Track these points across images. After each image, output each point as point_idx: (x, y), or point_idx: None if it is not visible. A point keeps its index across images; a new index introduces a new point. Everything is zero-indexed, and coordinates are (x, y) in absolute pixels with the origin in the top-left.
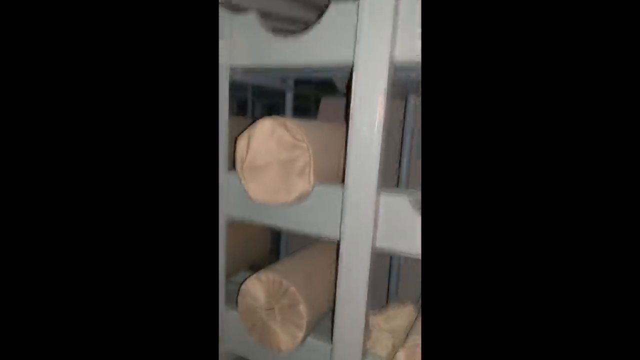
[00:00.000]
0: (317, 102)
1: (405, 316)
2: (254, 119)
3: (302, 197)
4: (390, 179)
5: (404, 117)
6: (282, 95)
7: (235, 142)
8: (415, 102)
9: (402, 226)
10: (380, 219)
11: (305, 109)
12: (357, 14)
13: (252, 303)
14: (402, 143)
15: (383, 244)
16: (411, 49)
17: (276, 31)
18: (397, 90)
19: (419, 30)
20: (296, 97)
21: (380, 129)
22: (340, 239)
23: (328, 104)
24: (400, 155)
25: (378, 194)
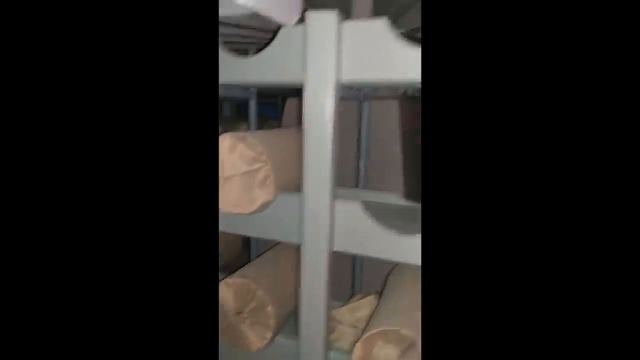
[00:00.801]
0: (284, 100)
1: (368, 307)
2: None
3: (264, 207)
4: (349, 180)
5: (360, 120)
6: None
7: None
8: (369, 106)
9: (356, 230)
10: (336, 224)
11: (273, 104)
12: (304, 39)
13: (222, 307)
14: (359, 144)
15: (340, 247)
16: (356, 70)
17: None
18: (352, 94)
19: (362, 54)
20: (263, 96)
21: (331, 144)
22: (300, 243)
23: (293, 103)
24: (358, 156)
25: (333, 201)
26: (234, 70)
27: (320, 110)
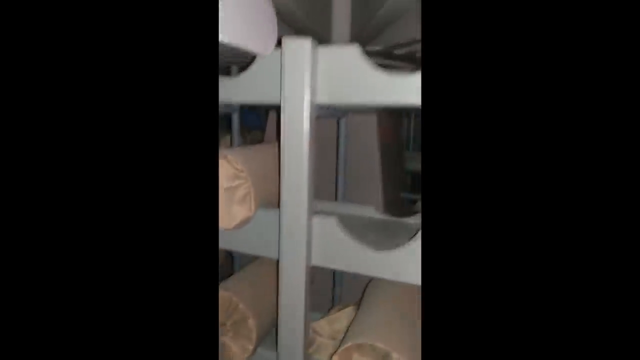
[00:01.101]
0: (267, 111)
1: (346, 318)
2: None
3: (244, 223)
4: (328, 193)
5: (338, 135)
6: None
7: None
8: (346, 122)
9: (333, 245)
10: (313, 239)
11: (258, 112)
12: (282, 58)
13: None
14: (337, 158)
15: (317, 262)
16: (330, 93)
17: None
18: (330, 112)
19: (336, 78)
20: (247, 106)
21: (307, 162)
22: (279, 258)
23: (275, 115)
24: (337, 170)
25: (310, 217)
26: (231, 90)
27: (296, 131)
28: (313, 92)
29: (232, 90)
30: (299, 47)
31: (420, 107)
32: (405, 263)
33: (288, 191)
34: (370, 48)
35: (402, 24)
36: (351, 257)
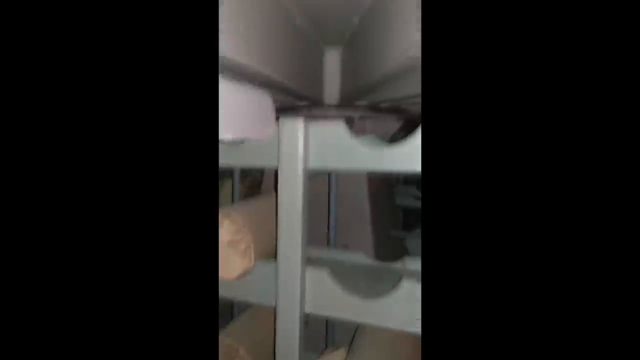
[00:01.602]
0: None
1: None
2: None
3: (245, 274)
4: (321, 239)
5: (329, 187)
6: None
7: None
8: (336, 176)
9: (325, 295)
10: (307, 289)
11: None
12: (278, 133)
13: None
14: (329, 208)
15: (310, 309)
16: (320, 160)
17: None
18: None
19: (325, 149)
20: None
21: (301, 220)
22: (275, 306)
23: None
24: (328, 219)
25: (303, 268)
26: (232, 155)
27: (291, 195)
28: (305, 160)
29: (234, 155)
30: (293, 126)
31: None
32: (390, 310)
33: (284, 247)
34: (358, 103)
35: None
36: (341, 305)
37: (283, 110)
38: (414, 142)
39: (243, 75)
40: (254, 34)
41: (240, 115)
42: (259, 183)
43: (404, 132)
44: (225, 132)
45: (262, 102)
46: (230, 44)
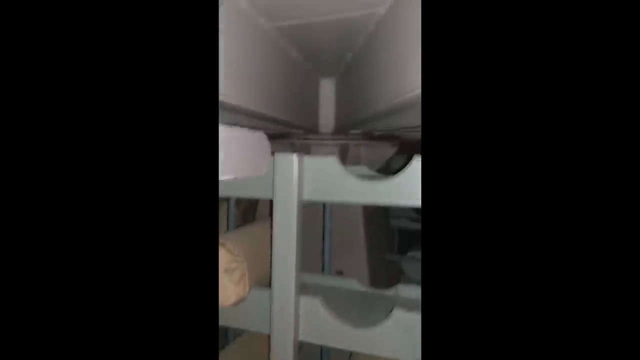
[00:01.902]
0: None
1: None
2: None
3: (239, 301)
4: (316, 265)
5: (324, 212)
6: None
7: None
8: (330, 207)
9: (318, 323)
10: (300, 317)
11: None
12: (273, 167)
13: None
14: (323, 234)
15: (304, 337)
16: (314, 192)
17: None
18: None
19: (318, 181)
20: None
21: (295, 251)
22: (270, 334)
23: None
24: (323, 244)
25: (297, 297)
26: (228, 187)
27: (285, 224)
28: (299, 193)
29: (231, 187)
30: (287, 160)
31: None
32: (381, 340)
33: (278, 276)
34: (353, 131)
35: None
36: (334, 334)
37: (277, 137)
38: (407, 175)
39: (239, 112)
40: (251, 76)
41: (238, 156)
42: (254, 207)
43: (399, 158)
44: (225, 173)
45: (258, 141)
46: (227, 86)
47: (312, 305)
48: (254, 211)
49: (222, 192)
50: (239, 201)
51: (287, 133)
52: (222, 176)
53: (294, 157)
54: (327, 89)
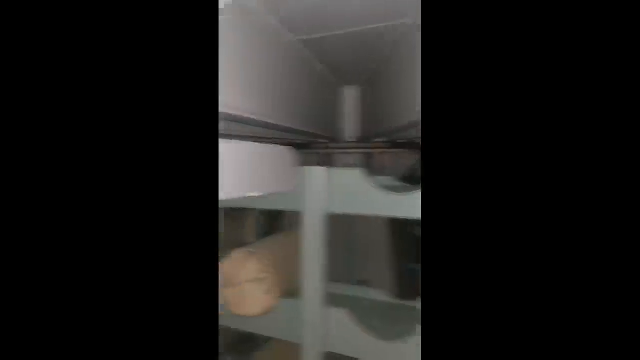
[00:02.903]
0: None
1: None
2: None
3: (269, 311)
4: (342, 275)
5: (349, 225)
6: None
7: None
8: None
9: (346, 335)
10: (329, 328)
11: None
12: (302, 180)
13: None
14: (348, 246)
15: (332, 349)
16: (341, 205)
17: None
18: None
19: (345, 194)
20: None
21: (323, 260)
22: (299, 344)
23: None
24: (348, 255)
25: (325, 308)
26: (251, 200)
27: (314, 236)
28: (325, 205)
29: (260, 201)
30: (316, 175)
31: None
32: (409, 353)
33: (307, 288)
34: (377, 140)
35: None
36: (361, 346)
37: (302, 147)
38: None
39: (264, 127)
40: (276, 89)
41: (265, 173)
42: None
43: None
44: (253, 190)
45: (285, 156)
46: (254, 103)
47: (341, 317)
48: (281, 220)
49: (251, 204)
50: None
51: (312, 142)
52: (250, 192)
53: (320, 170)
54: (351, 98)
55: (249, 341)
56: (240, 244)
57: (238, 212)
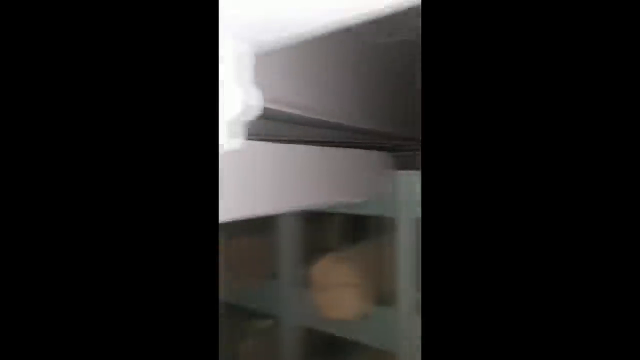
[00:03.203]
0: None
1: None
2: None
3: (362, 316)
4: None
5: None
6: None
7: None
8: None
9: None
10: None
11: None
12: (395, 186)
13: None
14: None
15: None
16: None
17: None
18: None
19: None
20: None
21: (418, 267)
22: (396, 351)
23: None
24: None
25: (417, 315)
26: (343, 206)
27: (409, 243)
28: (419, 210)
29: (353, 206)
30: (410, 180)
31: None
32: None
33: (402, 296)
34: None
35: None
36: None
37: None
38: None
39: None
40: (362, 93)
41: (357, 179)
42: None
43: None
44: (344, 195)
45: (377, 162)
46: (341, 108)
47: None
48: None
49: (343, 209)
50: (352, 217)
51: (403, 145)
52: (334, 199)
53: (415, 175)
54: None
55: (341, 346)
56: (322, 249)
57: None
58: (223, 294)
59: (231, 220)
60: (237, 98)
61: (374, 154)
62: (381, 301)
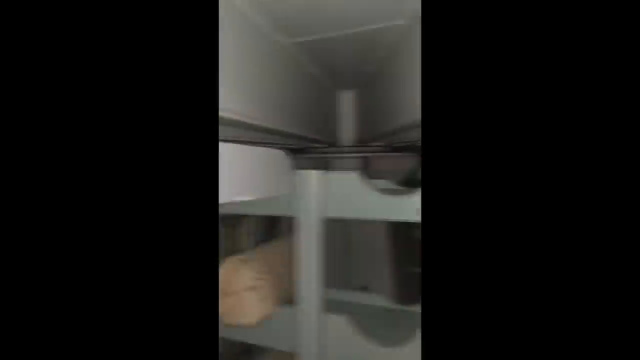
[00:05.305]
0: None
1: None
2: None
3: (264, 319)
4: (341, 281)
5: (347, 230)
6: None
7: None
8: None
9: (344, 342)
10: (328, 335)
11: None
12: (296, 184)
13: None
14: (346, 251)
15: (332, 357)
16: (337, 209)
17: None
18: None
19: (342, 198)
20: None
21: (320, 266)
22: (297, 352)
23: None
24: (346, 261)
25: (323, 315)
26: (245, 205)
27: (310, 242)
28: (322, 210)
29: (253, 204)
30: (310, 178)
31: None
32: (405, 359)
33: (303, 295)
34: (373, 144)
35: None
36: (361, 354)
37: (297, 151)
38: None
39: (257, 130)
40: (270, 93)
41: (258, 176)
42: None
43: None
44: (244, 193)
45: (278, 159)
46: (246, 105)
47: (339, 324)
48: (277, 225)
49: (244, 210)
50: (261, 218)
51: (307, 147)
52: (242, 196)
53: (317, 174)
54: (347, 102)
55: (246, 352)
56: (234, 251)
57: (231, 219)
58: None
59: None
60: None
61: (281, 154)
62: (285, 303)
